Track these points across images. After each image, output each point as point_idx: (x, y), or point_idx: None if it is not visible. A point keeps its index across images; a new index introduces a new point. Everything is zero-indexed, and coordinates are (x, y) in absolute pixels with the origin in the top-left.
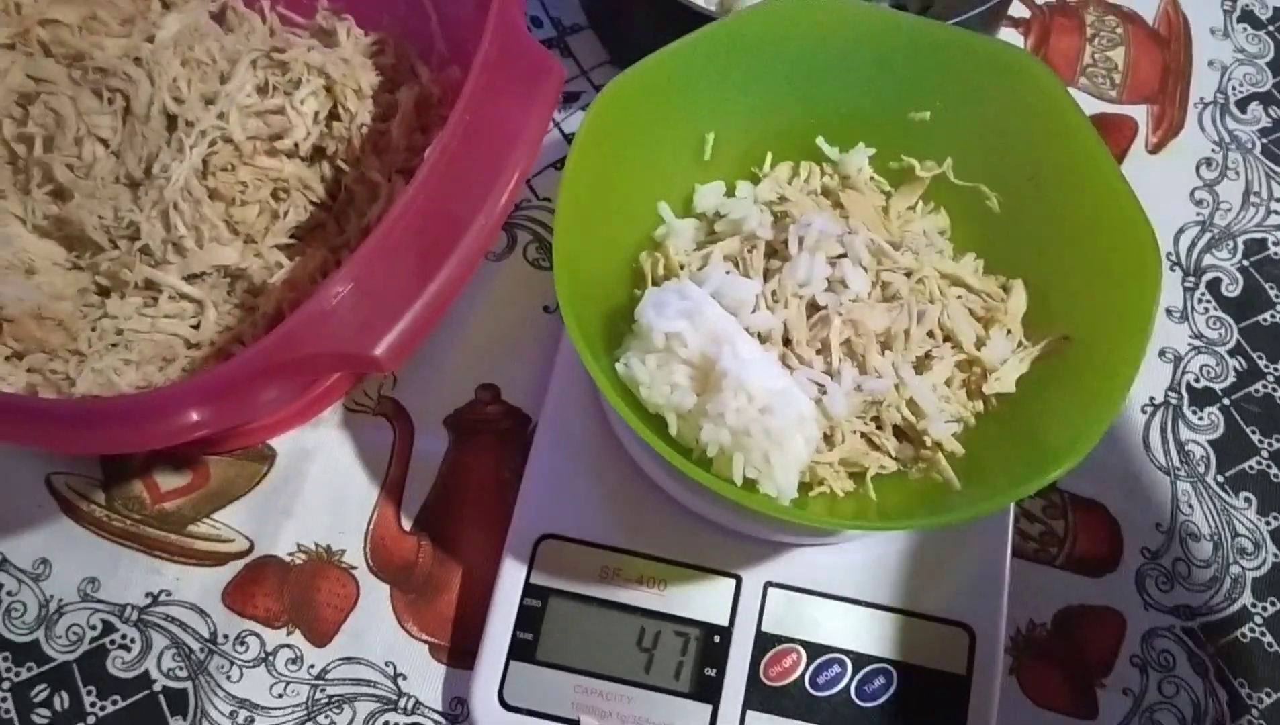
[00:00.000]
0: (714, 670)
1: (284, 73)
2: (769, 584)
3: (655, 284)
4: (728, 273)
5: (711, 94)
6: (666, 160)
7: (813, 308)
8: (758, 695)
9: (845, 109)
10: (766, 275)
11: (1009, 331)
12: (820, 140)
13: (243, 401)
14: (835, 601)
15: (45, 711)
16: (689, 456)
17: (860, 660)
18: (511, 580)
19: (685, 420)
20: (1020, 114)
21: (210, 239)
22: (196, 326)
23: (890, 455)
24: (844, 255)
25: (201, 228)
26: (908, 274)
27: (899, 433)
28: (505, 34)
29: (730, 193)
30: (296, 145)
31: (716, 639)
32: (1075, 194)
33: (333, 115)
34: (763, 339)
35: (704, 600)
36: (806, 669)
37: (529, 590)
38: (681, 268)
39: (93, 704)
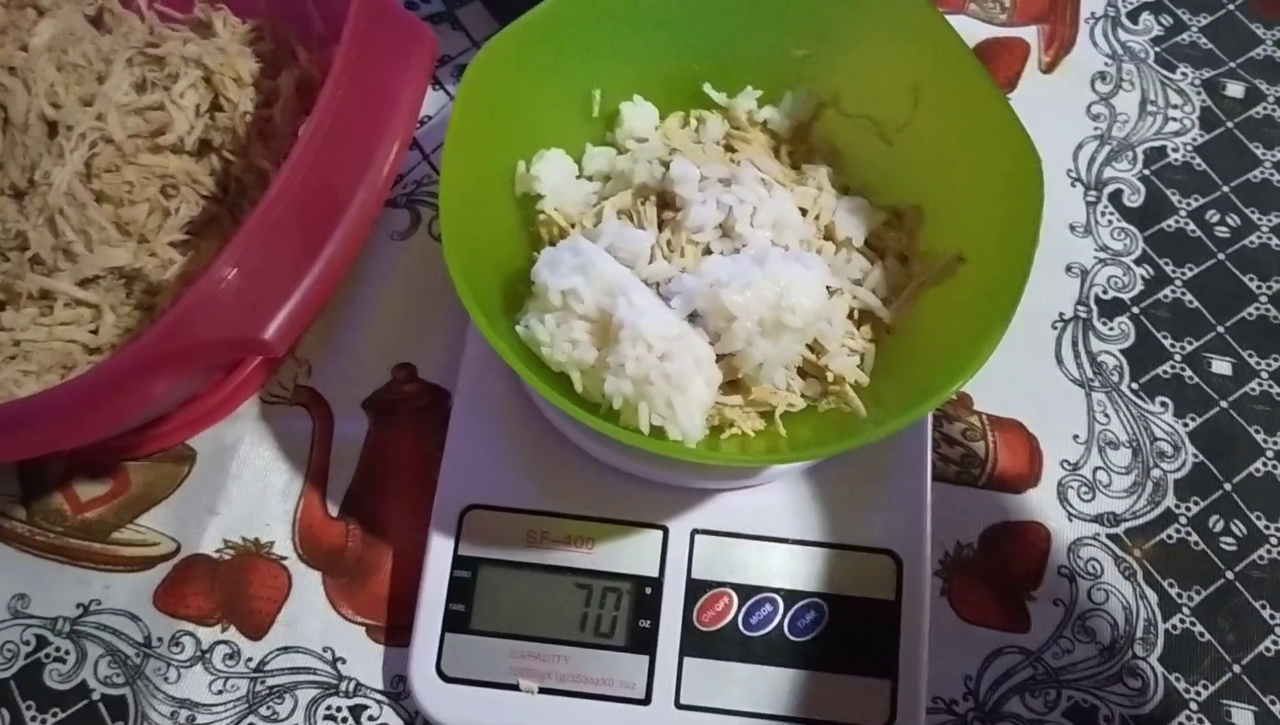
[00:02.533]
0: (648, 621)
1: (161, 68)
2: (696, 531)
3: (551, 245)
4: (621, 226)
5: (593, 49)
6: (555, 120)
7: (709, 254)
8: (693, 641)
9: (729, 53)
10: (661, 226)
11: (905, 258)
12: (707, 86)
13: (136, 397)
14: (762, 542)
15: None
16: (596, 411)
17: (791, 597)
18: (440, 553)
19: (589, 375)
20: (898, 44)
21: (100, 242)
22: (95, 331)
23: (799, 393)
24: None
25: (90, 231)
26: (803, 212)
27: (804, 371)
28: (373, 6)
29: (621, 150)
30: (181, 140)
31: (648, 590)
32: (959, 118)
33: (215, 106)
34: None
35: (632, 554)
36: (739, 611)
37: (458, 562)
38: (573, 226)
39: (33, 718)
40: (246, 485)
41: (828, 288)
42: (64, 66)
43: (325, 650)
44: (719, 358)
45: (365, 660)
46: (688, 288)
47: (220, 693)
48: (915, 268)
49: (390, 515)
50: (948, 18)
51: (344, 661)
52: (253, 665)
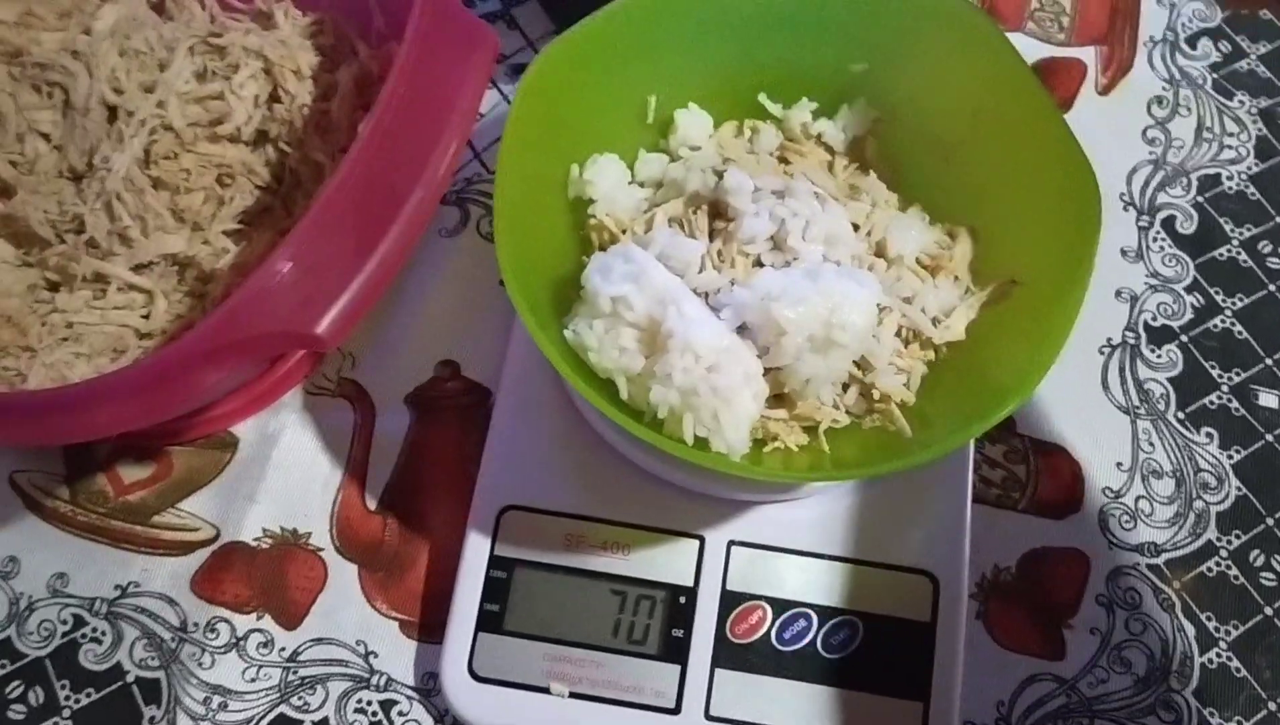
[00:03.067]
0: (681, 631)
1: (222, 58)
2: (732, 543)
3: (602, 249)
4: (673, 234)
5: (652, 56)
6: (610, 124)
7: (759, 266)
8: (725, 653)
9: (787, 65)
10: (712, 236)
11: (956, 278)
12: (763, 97)
13: (188, 385)
14: (798, 556)
15: (20, 707)
16: (641, 419)
17: (825, 613)
18: (476, 553)
19: (635, 383)
20: (959, 62)
21: (156, 228)
22: (147, 316)
23: (844, 409)
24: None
25: (146, 217)
26: (855, 227)
27: (848, 385)
28: (437, 5)
29: (674, 157)
30: (239, 130)
31: (682, 600)
32: (1017, 139)
33: (274, 98)
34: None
35: (668, 562)
36: (772, 625)
37: (494, 562)
38: (625, 232)
39: (67, 698)
40: (287, 475)
41: (877, 305)
42: (126, 52)
43: (358, 643)
44: (765, 371)
45: (398, 655)
46: (739, 300)
47: (253, 680)
48: (968, 288)
49: (428, 512)
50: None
51: (376, 655)
52: (286, 655)
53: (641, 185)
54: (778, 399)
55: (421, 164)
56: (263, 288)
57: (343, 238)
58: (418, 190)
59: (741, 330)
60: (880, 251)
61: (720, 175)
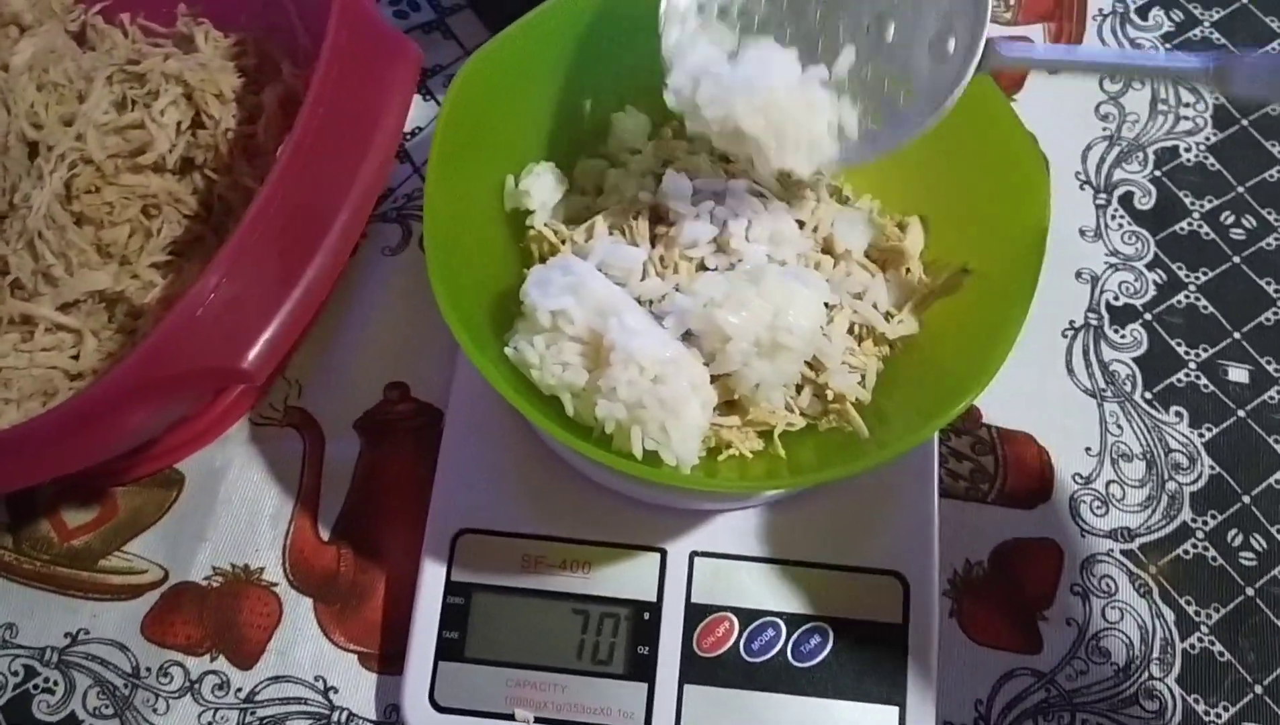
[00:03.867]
0: (646, 648)
1: (142, 85)
2: (695, 553)
3: (542, 261)
4: (613, 243)
5: (584, 59)
6: (545, 132)
7: (704, 269)
8: (693, 668)
9: None
10: (655, 241)
11: (908, 271)
12: None
13: (116, 427)
14: (764, 564)
15: None
16: (589, 435)
17: (794, 621)
18: (433, 579)
19: (580, 398)
20: None
21: (80, 265)
22: (76, 357)
23: (799, 411)
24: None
25: (70, 254)
26: (801, 224)
27: (802, 386)
28: (354, 20)
29: (614, 162)
30: (162, 158)
31: (646, 616)
32: (962, 125)
33: (197, 123)
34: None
35: (630, 578)
36: (740, 636)
37: (451, 588)
38: (565, 243)
39: None
40: (236, 510)
41: (826, 304)
42: (45, 85)
43: (317, 679)
44: (714, 378)
45: (358, 689)
46: (681, 307)
47: (210, 724)
48: (919, 280)
49: (384, 539)
50: None
51: (336, 691)
52: (242, 696)
53: (581, 193)
54: (729, 406)
55: (346, 185)
56: (184, 323)
57: (266, 266)
58: (343, 212)
59: (687, 337)
60: (828, 248)
61: (660, 178)
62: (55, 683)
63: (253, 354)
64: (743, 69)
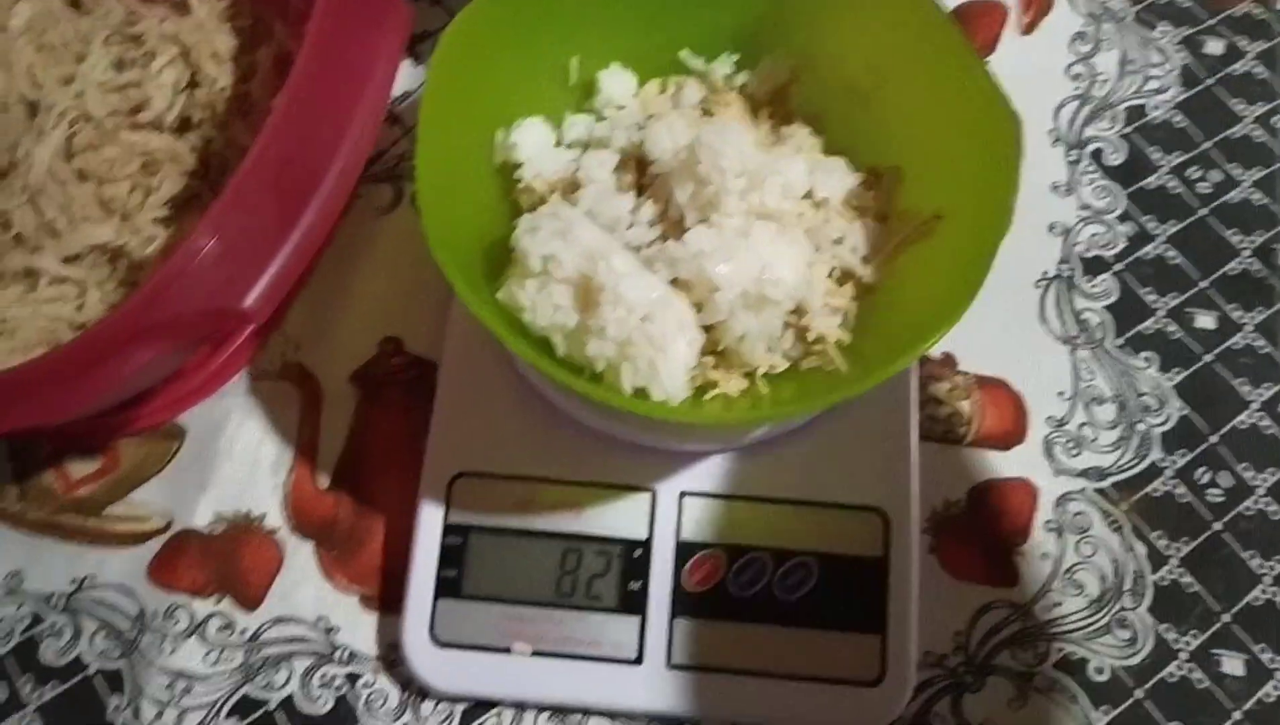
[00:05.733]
0: (638, 584)
1: (138, 46)
2: (684, 493)
3: (531, 211)
4: (600, 192)
5: (571, 17)
6: (533, 88)
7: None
8: (682, 603)
9: (707, 21)
10: (640, 191)
11: (884, 217)
12: (684, 53)
13: (116, 370)
14: (750, 502)
15: None
16: (580, 375)
17: (779, 556)
18: (430, 521)
19: (571, 339)
20: (872, 8)
21: (82, 219)
22: (80, 308)
23: (781, 353)
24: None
25: (72, 209)
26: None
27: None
28: None
29: (600, 118)
30: (160, 117)
31: (637, 553)
32: (935, 77)
33: (194, 83)
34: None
35: (621, 517)
36: (728, 571)
37: (449, 529)
38: (553, 193)
39: (30, 693)
40: (237, 460)
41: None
42: (43, 48)
43: (319, 620)
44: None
45: (359, 629)
46: (672, 255)
47: (215, 664)
48: (894, 226)
49: (381, 486)
50: None
51: (338, 630)
52: (247, 636)
53: (569, 148)
54: (715, 356)
55: (339, 135)
56: (185, 267)
57: (263, 213)
58: (336, 161)
59: (674, 285)
60: (808, 195)
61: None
62: (62, 627)
63: (252, 296)
64: None
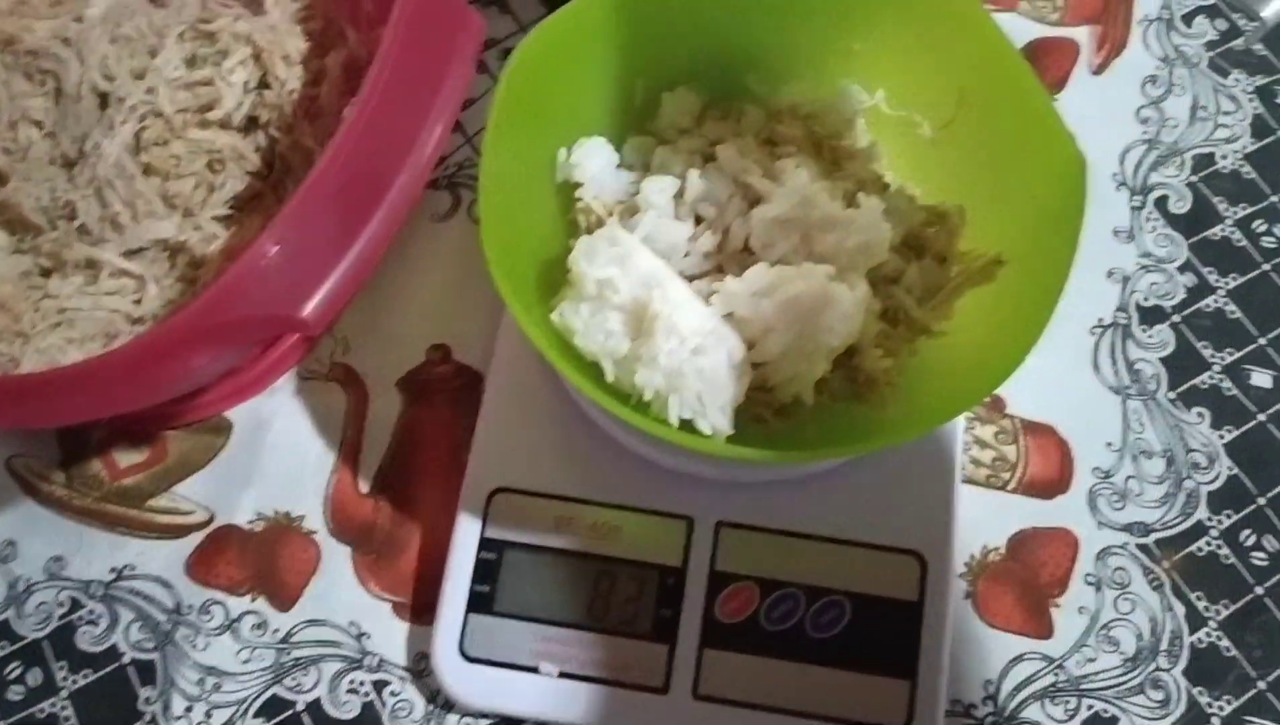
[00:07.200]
0: (670, 611)
1: (212, 44)
2: (721, 523)
3: (589, 233)
4: (659, 218)
5: (638, 39)
6: (597, 108)
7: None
8: (714, 633)
9: (774, 47)
10: (698, 220)
11: (944, 260)
12: (751, 79)
13: (175, 368)
14: (787, 537)
15: (19, 688)
16: (627, 402)
17: (813, 593)
18: (467, 535)
19: (621, 365)
20: (945, 43)
21: (146, 214)
22: (138, 302)
23: (829, 393)
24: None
25: (136, 203)
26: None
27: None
28: None
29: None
30: (229, 115)
31: (671, 581)
32: (1003, 118)
33: (263, 84)
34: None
35: (657, 543)
36: (761, 604)
37: (484, 544)
38: (611, 215)
39: (65, 678)
40: (281, 459)
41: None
42: (117, 39)
43: (351, 625)
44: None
45: (390, 636)
46: (730, 291)
47: (247, 662)
48: (954, 268)
49: (420, 494)
50: (999, 16)
51: (369, 637)
52: (279, 636)
53: (630, 169)
54: (764, 392)
55: (407, 148)
56: (249, 271)
57: (328, 222)
58: (403, 174)
59: (727, 320)
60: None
61: (708, 158)
62: (100, 615)
63: (311, 305)
64: None
